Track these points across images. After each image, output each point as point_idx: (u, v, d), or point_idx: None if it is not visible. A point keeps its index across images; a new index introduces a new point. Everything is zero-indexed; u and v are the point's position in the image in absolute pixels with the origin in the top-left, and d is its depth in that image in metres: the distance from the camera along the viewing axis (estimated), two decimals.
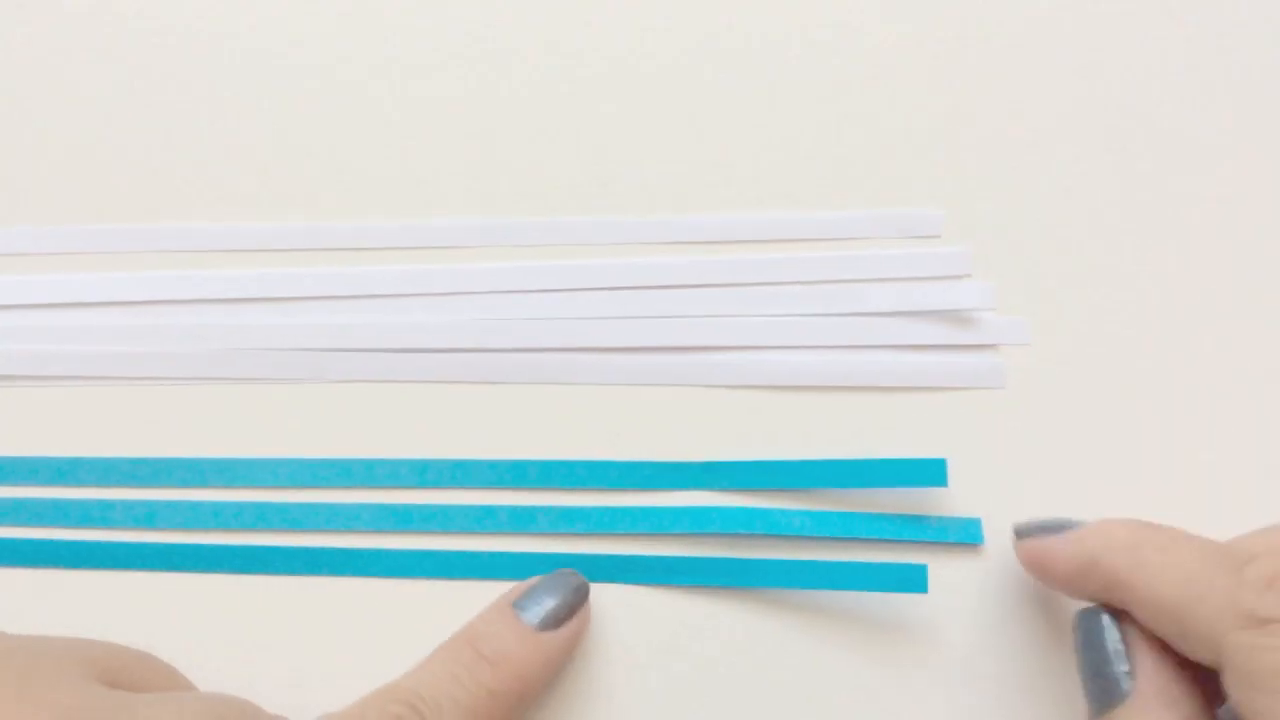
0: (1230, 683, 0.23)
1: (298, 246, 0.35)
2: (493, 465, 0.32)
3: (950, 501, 0.31)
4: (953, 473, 0.31)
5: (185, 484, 0.32)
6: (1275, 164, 0.34)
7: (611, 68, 0.36)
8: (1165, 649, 0.25)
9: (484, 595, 0.31)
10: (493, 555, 0.31)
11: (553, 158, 0.35)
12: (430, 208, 0.35)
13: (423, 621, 0.31)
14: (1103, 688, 0.26)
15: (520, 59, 0.36)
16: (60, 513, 0.32)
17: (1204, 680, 0.25)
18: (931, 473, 0.30)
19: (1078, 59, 0.36)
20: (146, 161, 0.36)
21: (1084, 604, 0.27)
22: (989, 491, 0.31)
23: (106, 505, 0.32)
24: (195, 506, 0.32)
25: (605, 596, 0.31)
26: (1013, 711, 0.30)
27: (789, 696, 0.30)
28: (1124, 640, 0.26)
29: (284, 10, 0.37)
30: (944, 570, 0.31)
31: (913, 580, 0.30)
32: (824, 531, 0.31)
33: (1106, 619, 0.26)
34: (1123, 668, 0.25)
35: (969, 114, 0.35)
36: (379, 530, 0.32)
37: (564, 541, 0.32)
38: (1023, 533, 0.29)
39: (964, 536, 0.31)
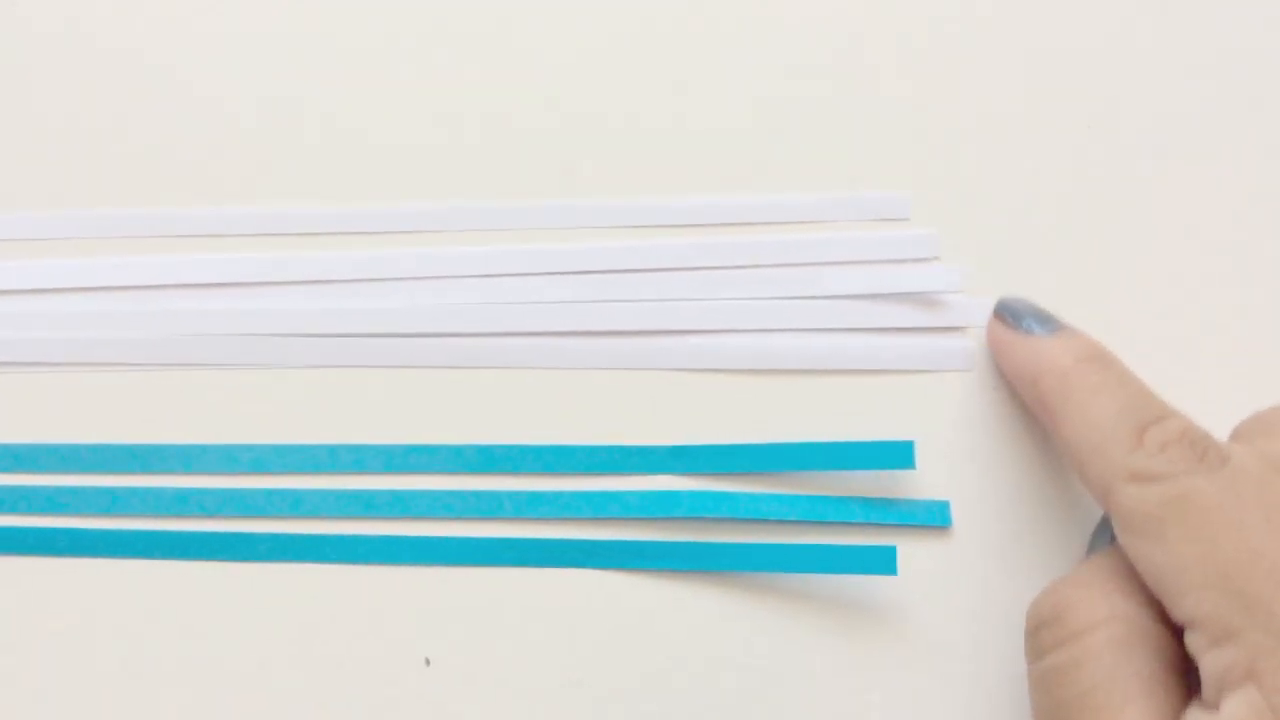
0: (1119, 534, 0.25)
1: (262, 232, 0.34)
2: (458, 450, 0.32)
3: (918, 484, 0.31)
4: (921, 455, 0.31)
5: (146, 470, 0.32)
6: (1242, 149, 0.34)
7: (576, 51, 0.36)
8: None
9: (450, 580, 0.31)
10: (459, 540, 0.31)
11: (516, 142, 0.35)
12: (394, 192, 0.35)
13: (387, 607, 0.31)
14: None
15: (483, 42, 0.36)
16: (18, 499, 0.32)
17: None
18: (899, 455, 0.30)
19: (1046, 41, 0.36)
20: (114, 147, 0.35)
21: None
22: (957, 474, 0.31)
23: (67, 491, 0.32)
24: (156, 492, 0.32)
25: (572, 581, 0.31)
26: (983, 693, 0.30)
27: (757, 680, 0.30)
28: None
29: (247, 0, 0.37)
30: (912, 553, 0.31)
31: (881, 563, 0.30)
32: (792, 515, 0.31)
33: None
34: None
35: (937, 96, 0.35)
36: (343, 516, 0.32)
37: (530, 526, 0.31)
38: (1002, 310, 0.31)
39: (932, 519, 0.31)
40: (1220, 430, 0.27)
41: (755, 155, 0.35)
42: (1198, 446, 0.25)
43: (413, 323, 0.33)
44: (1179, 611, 0.24)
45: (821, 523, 0.31)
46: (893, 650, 0.30)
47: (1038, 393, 0.28)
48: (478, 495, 0.32)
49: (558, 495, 0.31)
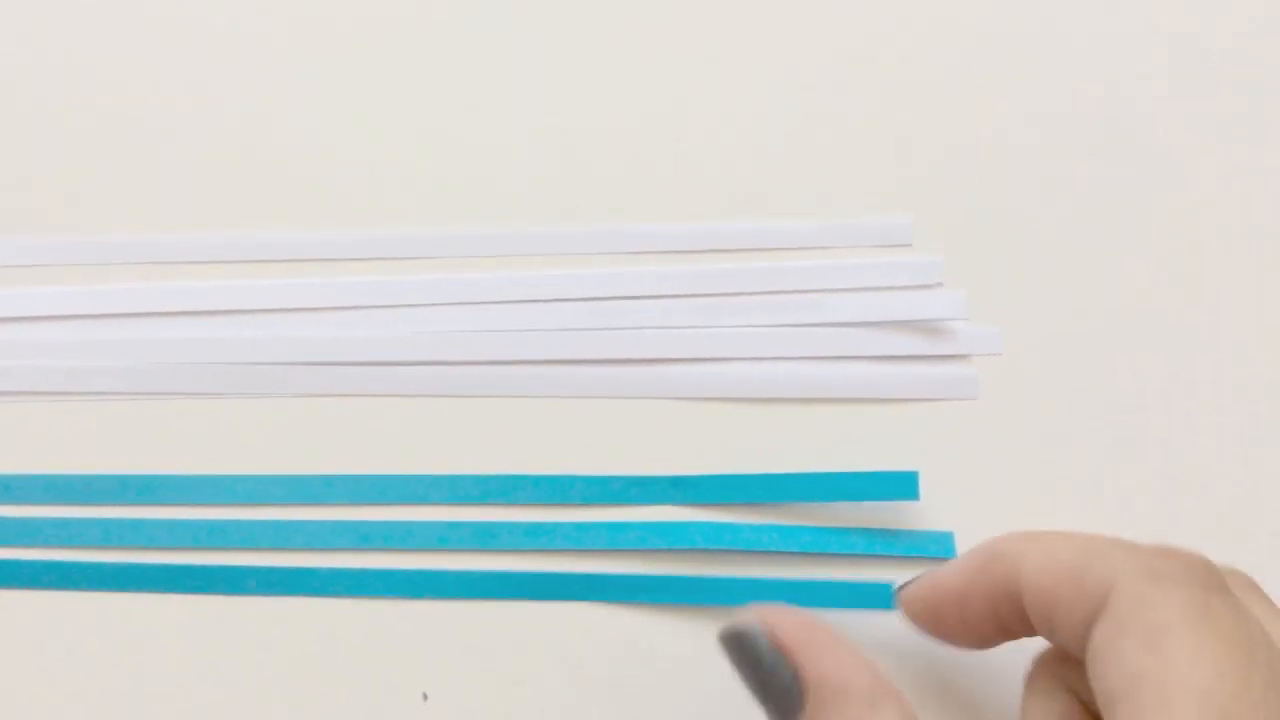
0: (1101, 630, 0.22)
1: (255, 259, 0.34)
2: (455, 480, 0.32)
3: (922, 514, 0.31)
4: (925, 485, 0.31)
5: (139, 501, 0.32)
6: (1249, 170, 0.34)
7: (576, 77, 0.36)
8: (832, 640, 0.24)
9: (448, 614, 0.31)
10: (456, 574, 0.31)
11: (515, 168, 0.35)
12: (391, 219, 0.34)
13: (384, 640, 0.30)
14: (775, 699, 0.23)
15: (482, 70, 0.36)
16: (9, 531, 0.32)
17: None
18: (903, 486, 0.30)
19: (1051, 66, 0.35)
20: (105, 173, 0.35)
21: None
22: (962, 504, 0.31)
23: (58, 523, 0.32)
24: (150, 524, 0.31)
25: (571, 614, 0.30)
26: None
27: (760, 714, 0.30)
28: (779, 648, 0.24)
29: (236, 25, 0.37)
30: None
31: (882, 599, 0.29)
32: (794, 546, 0.30)
33: (756, 626, 0.24)
34: (787, 673, 0.23)
35: (940, 121, 0.35)
36: (340, 548, 0.31)
37: (528, 559, 0.31)
38: (903, 587, 0.27)
39: (936, 551, 0.30)
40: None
41: (757, 181, 0.34)
42: (1216, 575, 0.22)
43: (410, 351, 0.33)
44: None
45: (823, 554, 0.30)
46: (896, 682, 0.30)
47: (999, 568, 0.24)
48: (475, 527, 0.31)
49: (556, 526, 0.31)
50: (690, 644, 0.30)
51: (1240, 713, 0.20)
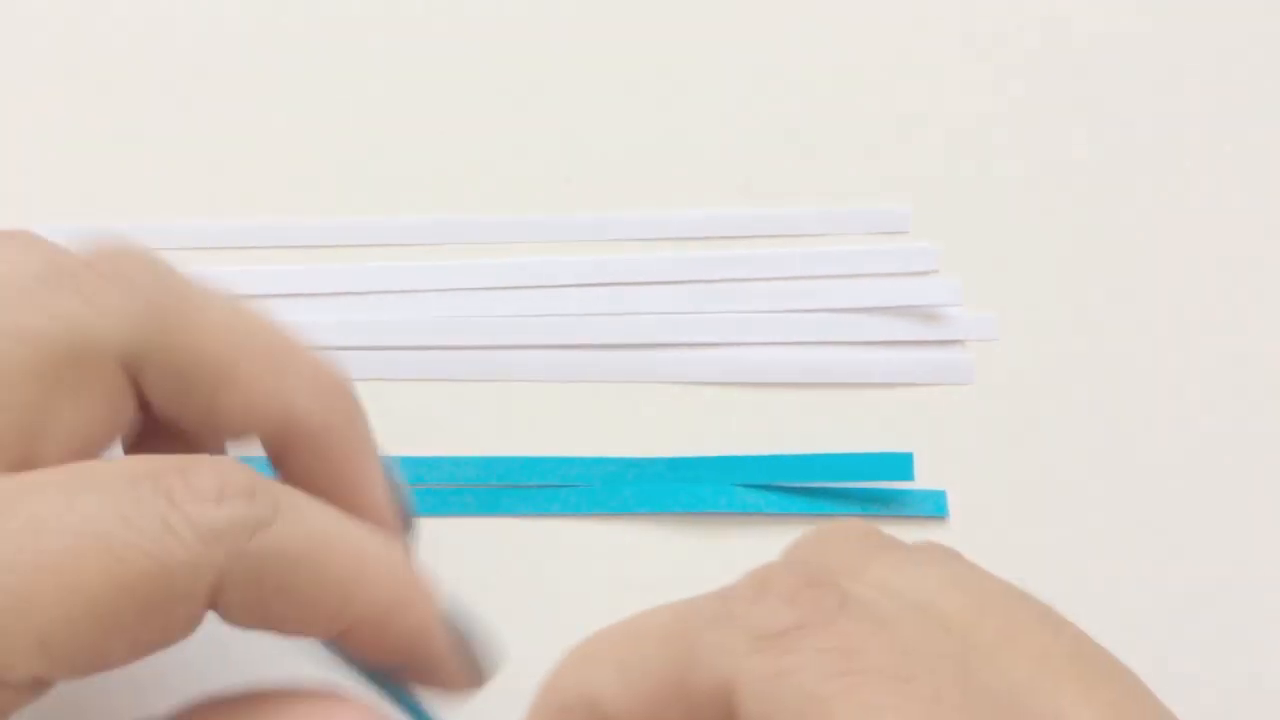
0: None
1: (260, 244, 0.34)
2: (457, 461, 0.32)
3: None
4: (921, 469, 0.31)
5: None
6: (1247, 159, 0.34)
7: (574, 64, 0.36)
8: None
9: None
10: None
11: (515, 154, 0.35)
12: (392, 204, 0.35)
13: None
14: None
15: (483, 55, 0.36)
16: None
17: None
18: (898, 467, 0.30)
19: (1047, 53, 0.36)
20: (109, 158, 0.36)
21: None
22: (957, 488, 0.31)
23: None
24: None
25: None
26: None
27: None
28: None
29: (243, 10, 0.37)
30: None
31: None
32: (789, 508, 0.30)
33: None
34: None
35: (937, 108, 0.35)
36: None
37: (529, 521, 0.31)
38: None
39: (929, 509, 0.31)
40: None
41: (754, 168, 0.35)
42: (833, 589, 0.16)
43: (409, 336, 0.33)
44: None
45: (817, 515, 0.31)
46: None
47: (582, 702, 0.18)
48: (477, 494, 0.31)
49: (556, 492, 0.31)
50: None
51: None
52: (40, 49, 0.37)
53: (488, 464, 0.32)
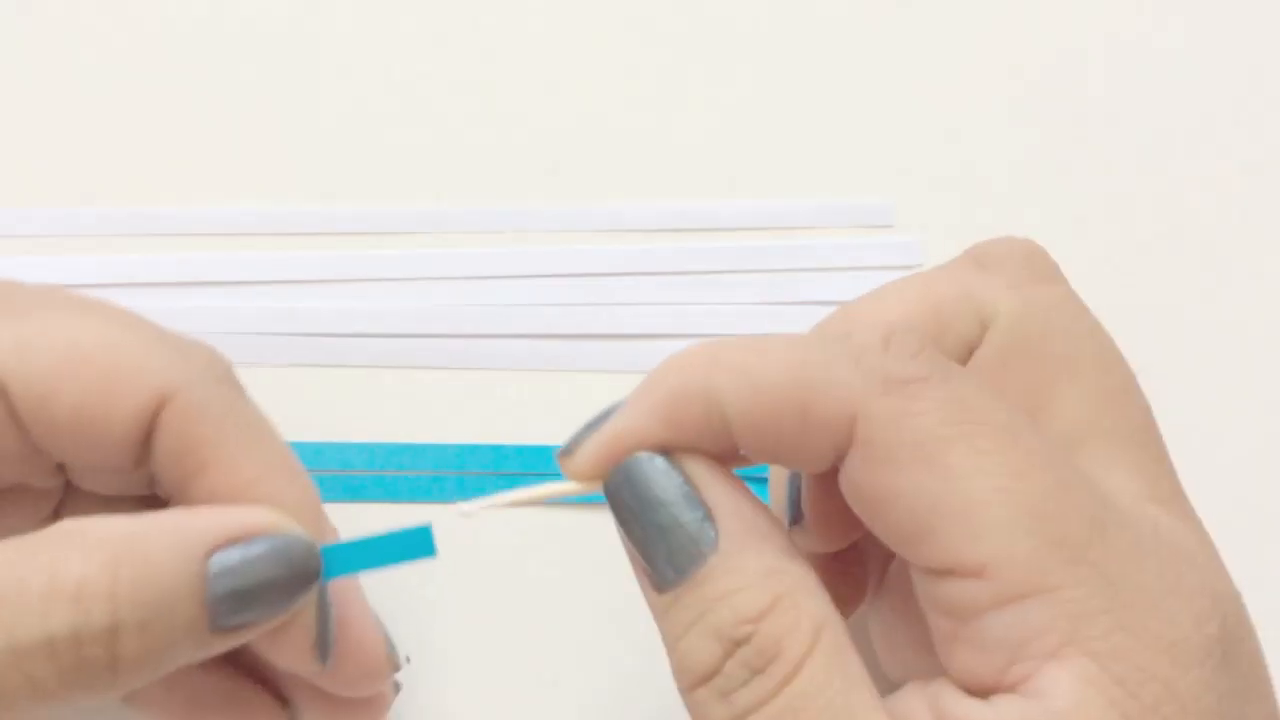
0: (860, 467, 0.19)
1: (243, 231, 0.35)
2: (440, 449, 0.32)
3: None
4: None
5: None
6: (1233, 153, 0.35)
7: (563, 57, 0.36)
8: (735, 479, 0.20)
9: (433, 575, 0.31)
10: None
11: (501, 145, 0.35)
12: (382, 194, 0.35)
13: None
14: (677, 547, 0.19)
15: (471, 50, 0.37)
16: None
17: None
18: None
19: (1032, 48, 0.36)
20: (95, 145, 0.36)
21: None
22: None
23: None
24: None
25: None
26: None
27: None
28: (688, 480, 0.20)
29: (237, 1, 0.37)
30: None
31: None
32: None
33: (659, 462, 0.20)
34: (697, 513, 0.20)
35: (922, 102, 0.35)
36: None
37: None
38: (571, 448, 0.22)
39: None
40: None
41: (740, 160, 0.35)
42: (943, 356, 0.20)
43: (398, 323, 0.33)
44: (957, 555, 0.18)
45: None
46: None
47: (697, 405, 0.20)
48: (459, 481, 0.32)
49: (540, 479, 0.31)
50: None
51: (1055, 508, 0.18)
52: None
53: (470, 451, 0.32)
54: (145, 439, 0.22)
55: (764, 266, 0.33)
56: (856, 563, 0.24)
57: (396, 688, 0.27)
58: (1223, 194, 0.34)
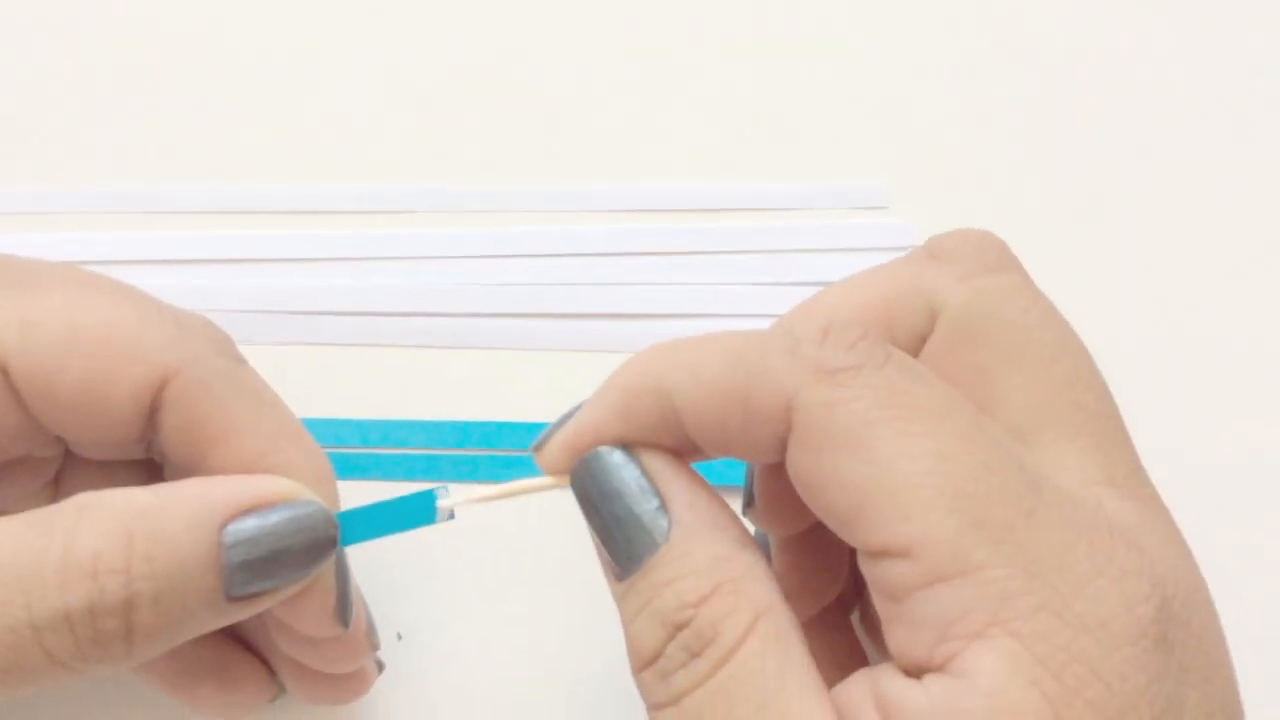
0: (798, 454, 0.20)
1: (237, 210, 0.35)
2: (435, 426, 0.32)
3: None
4: None
5: None
6: (1227, 144, 0.35)
7: (558, 38, 0.36)
8: (692, 473, 0.21)
9: (424, 553, 0.31)
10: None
11: (497, 126, 0.35)
12: (371, 174, 0.35)
13: (361, 582, 0.31)
14: (633, 535, 0.21)
15: (466, 28, 0.37)
16: None
17: None
18: None
19: (1027, 33, 0.36)
20: (91, 123, 0.36)
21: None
22: None
23: None
24: None
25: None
26: None
27: None
28: (645, 474, 0.21)
29: None
30: None
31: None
32: None
33: (618, 455, 0.21)
34: (652, 504, 0.21)
35: (917, 85, 0.35)
36: None
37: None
38: (540, 443, 0.23)
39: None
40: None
41: (734, 142, 0.35)
42: (882, 345, 0.20)
43: (393, 301, 0.33)
44: (886, 537, 0.19)
45: None
46: None
47: (648, 400, 0.21)
48: (454, 459, 0.32)
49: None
50: None
51: (980, 488, 0.18)
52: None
53: (463, 429, 0.32)
54: (148, 415, 0.22)
55: (758, 247, 0.34)
56: (832, 554, 0.25)
57: (380, 667, 0.27)
58: (1238, 191, 0.34)
